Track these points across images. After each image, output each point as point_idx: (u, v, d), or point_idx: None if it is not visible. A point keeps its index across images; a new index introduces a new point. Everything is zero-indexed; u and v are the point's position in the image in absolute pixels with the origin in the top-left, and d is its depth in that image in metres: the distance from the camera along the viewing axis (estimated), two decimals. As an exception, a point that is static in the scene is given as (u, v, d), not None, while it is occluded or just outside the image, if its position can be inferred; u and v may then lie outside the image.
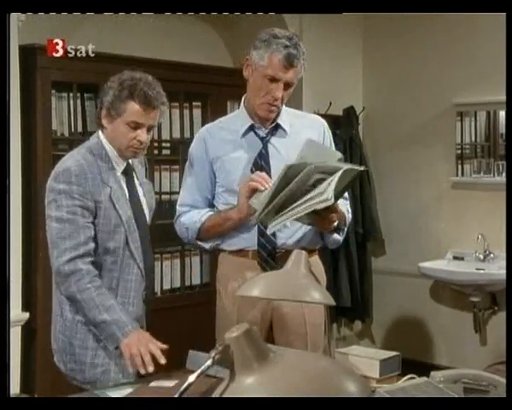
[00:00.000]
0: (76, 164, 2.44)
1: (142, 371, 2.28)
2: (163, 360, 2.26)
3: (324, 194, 2.29)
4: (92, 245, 2.43)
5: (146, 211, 2.63)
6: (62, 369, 2.52)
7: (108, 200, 2.46)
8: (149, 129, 2.50)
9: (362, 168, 2.44)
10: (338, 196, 2.37)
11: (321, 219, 2.47)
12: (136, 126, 2.45)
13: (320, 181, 2.33)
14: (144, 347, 2.29)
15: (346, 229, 2.78)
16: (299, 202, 2.33)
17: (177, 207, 2.83)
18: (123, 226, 2.47)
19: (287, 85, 2.62)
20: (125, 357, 2.33)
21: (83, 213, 2.41)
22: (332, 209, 2.43)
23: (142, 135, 2.46)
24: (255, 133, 2.71)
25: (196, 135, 2.86)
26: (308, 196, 2.32)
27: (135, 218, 2.53)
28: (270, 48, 2.57)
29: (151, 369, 2.26)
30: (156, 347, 2.30)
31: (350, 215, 2.80)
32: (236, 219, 2.62)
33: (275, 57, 2.57)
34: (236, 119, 2.77)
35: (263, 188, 2.45)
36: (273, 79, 2.59)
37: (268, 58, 2.57)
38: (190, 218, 2.74)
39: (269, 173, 2.60)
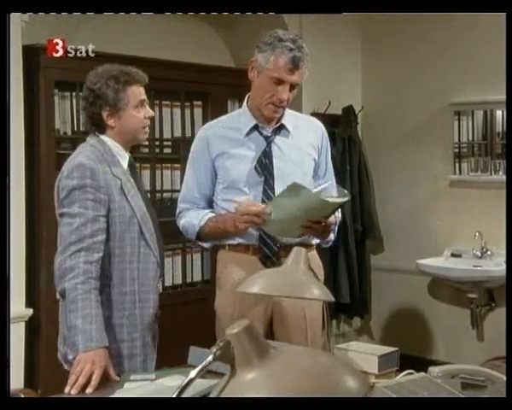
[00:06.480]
0: (88, 159, 2.46)
1: (73, 392, 2.17)
2: (89, 389, 2.17)
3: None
4: (101, 237, 2.41)
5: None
6: (62, 360, 2.48)
7: (120, 192, 2.48)
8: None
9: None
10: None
11: (317, 230, 2.62)
12: (143, 105, 2.56)
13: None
14: (89, 367, 2.20)
15: (336, 228, 2.83)
16: None
17: (178, 203, 2.90)
18: (135, 217, 2.49)
19: (292, 87, 2.67)
20: (72, 370, 2.24)
21: (94, 207, 2.41)
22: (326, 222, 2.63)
23: (150, 111, 2.60)
24: (259, 133, 2.77)
25: (198, 134, 2.92)
26: None
27: (146, 208, 2.56)
28: (276, 51, 2.62)
29: (73, 392, 2.16)
30: (99, 374, 2.20)
31: (339, 215, 2.85)
32: (234, 233, 2.70)
33: (280, 60, 2.62)
34: (239, 118, 2.81)
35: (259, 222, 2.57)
36: (279, 82, 2.64)
37: (273, 61, 2.62)
38: (189, 220, 2.81)
39: (272, 172, 2.70)
